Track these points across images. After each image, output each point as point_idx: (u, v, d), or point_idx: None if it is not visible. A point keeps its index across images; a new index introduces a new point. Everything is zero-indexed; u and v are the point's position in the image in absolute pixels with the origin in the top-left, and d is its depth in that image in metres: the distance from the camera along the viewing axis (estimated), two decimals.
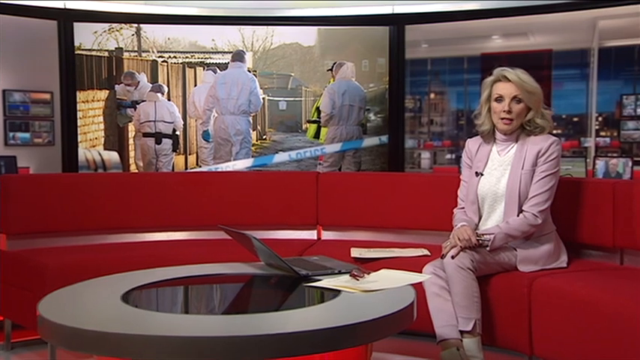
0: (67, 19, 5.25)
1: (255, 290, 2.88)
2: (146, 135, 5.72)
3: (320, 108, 5.79)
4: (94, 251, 3.72)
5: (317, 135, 5.87)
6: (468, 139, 3.30)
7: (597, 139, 5.05)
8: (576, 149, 5.13)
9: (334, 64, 5.76)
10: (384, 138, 5.65)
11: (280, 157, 5.86)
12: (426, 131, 5.66)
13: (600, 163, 4.88)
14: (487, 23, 5.30)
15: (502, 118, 3.04)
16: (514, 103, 3.02)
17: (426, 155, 5.64)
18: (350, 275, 2.60)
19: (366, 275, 2.61)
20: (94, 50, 5.47)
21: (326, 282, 2.57)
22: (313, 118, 5.87)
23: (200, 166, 5.85)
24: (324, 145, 5.81)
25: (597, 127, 5.05)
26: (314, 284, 2.58)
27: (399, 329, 2.22)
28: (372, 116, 5.79)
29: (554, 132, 5.22)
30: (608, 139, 5.02)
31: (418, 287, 2.81)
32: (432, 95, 5.69)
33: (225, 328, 2.09)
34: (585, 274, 2.98)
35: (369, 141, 5.75)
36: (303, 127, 5.99)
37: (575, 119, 5.17)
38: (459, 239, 2.93)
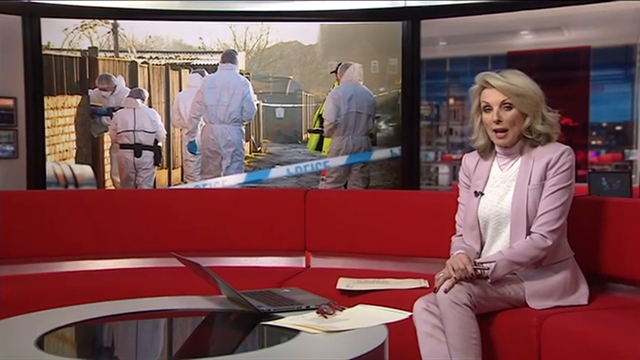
0: (32, 14, 5.25)
1: (207, 330, 2.80)
2: (124, 146, 5.72)
3: (323, 116, 5.78)
4: (47, 281, 3.67)
5: (319, 146, 5.85)
6: (465, 155, 3.19)
7: None
8: (619, 163, 5.05)
9: (339, 65, 5.75)
10: (397, 150, 5.59)
11: (277, 171, 5.85)
12: (445, 142, 5.62)
13: None
14: (514, 17, 5.22)
15: (495, 131, 2.94)
16: (503, 111, 2.93)
17: (444, 170, 5.57)
18: (317, 312, 2.57)
19: (337, 312, 2.58)
20: (64, 50, 5.50)
21: (287, 320, 2.53)
22: (315, 128, 5.85)
23: (186, 182, 5.86)
24: (328, 158, 5.76)
25: None
26: (273, 322, 2.51)
27: None
28: (382, 125, 5.76)
29: (595, 143, 5.22)
30: None
31: (409, 325, 2.71)
32: (452, 101, 5.68)
33: None
34: (608, 314, 2.84)
35: (379, 153, 5.70)
36: (304, 137, 5.98)
37: (618, 128, 5.11)
38: (453, 269, 2.80)
